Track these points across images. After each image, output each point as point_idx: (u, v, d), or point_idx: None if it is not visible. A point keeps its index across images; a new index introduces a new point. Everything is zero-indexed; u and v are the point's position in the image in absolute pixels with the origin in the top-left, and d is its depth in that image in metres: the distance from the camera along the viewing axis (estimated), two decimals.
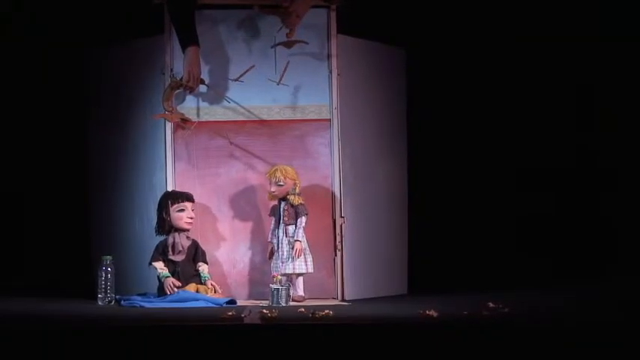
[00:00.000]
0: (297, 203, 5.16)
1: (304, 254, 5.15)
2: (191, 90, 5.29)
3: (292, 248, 5.13)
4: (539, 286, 5.61)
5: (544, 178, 6.05)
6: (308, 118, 5.39)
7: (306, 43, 5.33)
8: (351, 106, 5.43)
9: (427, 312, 4.05)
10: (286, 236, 5.17)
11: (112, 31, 5.75)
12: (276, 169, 5.17)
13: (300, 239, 5.14)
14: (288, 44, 5.29)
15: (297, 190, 5.18)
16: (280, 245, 5.18)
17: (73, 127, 5.92)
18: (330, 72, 5.38)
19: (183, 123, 5.30)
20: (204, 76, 5.32)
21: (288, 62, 5.30)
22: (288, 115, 5.39)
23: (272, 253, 5.23)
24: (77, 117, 5.86)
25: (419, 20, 5.96)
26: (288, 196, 5.17)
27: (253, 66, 5.32)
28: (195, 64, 5.24)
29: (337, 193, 5.34)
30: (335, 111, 5.36)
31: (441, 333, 3.74)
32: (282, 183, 5.15)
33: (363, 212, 5.47)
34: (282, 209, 5.20)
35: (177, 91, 5.30)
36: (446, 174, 6.05)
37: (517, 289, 5.43)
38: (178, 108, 5.32)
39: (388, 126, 5.73)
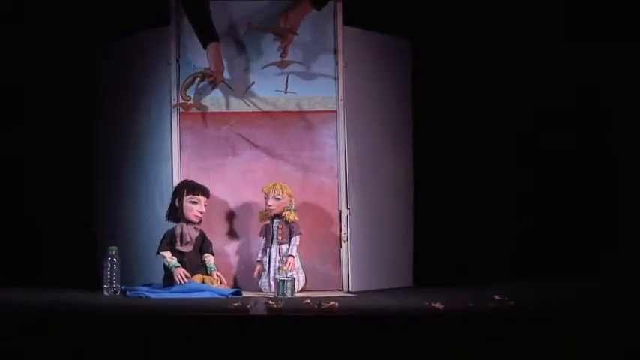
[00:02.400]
0: (292, 220, 5.15)
1: (297, 272, 5.13)
2: (215, 83, 5.29)
3: (285, 263, 5.10)
4: (546, 279, 5.60)
5: (551, 170, 6.04)
6: (314, 109, 5.39)
7: (301, 63, 5.34)
8: (357, 97, 5.43)
9: (433, 304, 4.05)
10: (279, 255, 5.16)
11: (118, 22, 5.74)
12: (275, 184, 5.17)
13: (293, 255, 5.13)
14: (282, 64, 5.30)
15: (293, 207, 5.19)
16: (272, 264, 5.16)
17: (79, 117, 5.91)
18: (337, 63, 5.38)
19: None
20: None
21: (287, 75, 5.31)
22: (294, 106, 5.39)
23: (259, 273, 5.21)
24: (83, 108, 5.86)
25: (425, 11, 5.94)
26: (283, 213, 5.16)
27: (253, 82, 5.34)
28: (219, 59, 5.25)
29: (343, 185, 5.34)
30: (341, 102, 5.36)
31: (447, 325, 3.74)
32: (280, 197, 5.14)
33: (369, 204, 5.47)
34: (275, 228, 5.18)
35: (202, 83, 5.30)
36: (452, 166, 6.04)
37: (523, 282, 5.42)
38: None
39: (394, 117, 5.72)
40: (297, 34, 5.26)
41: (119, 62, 5.63)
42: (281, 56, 5.30)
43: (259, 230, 5.26)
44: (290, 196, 5.18)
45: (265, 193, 5.18)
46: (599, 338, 3.64)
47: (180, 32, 5.36)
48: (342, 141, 5.35)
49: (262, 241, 5.24)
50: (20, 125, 6.04)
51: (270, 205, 5.17)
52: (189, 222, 5.15)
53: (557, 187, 6.02)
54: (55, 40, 5.98)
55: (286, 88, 5.33)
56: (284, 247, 5.17)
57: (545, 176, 6.03)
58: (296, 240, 5.15)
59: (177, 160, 5.33)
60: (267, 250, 5.20)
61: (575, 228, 5.93)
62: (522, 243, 5.95)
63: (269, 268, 5.17)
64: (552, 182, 6.02)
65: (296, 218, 5.17)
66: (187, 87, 5.28)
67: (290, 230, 5.16)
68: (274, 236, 5.18)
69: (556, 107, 6.01)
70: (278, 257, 5.15)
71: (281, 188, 5.16)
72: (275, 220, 5.19)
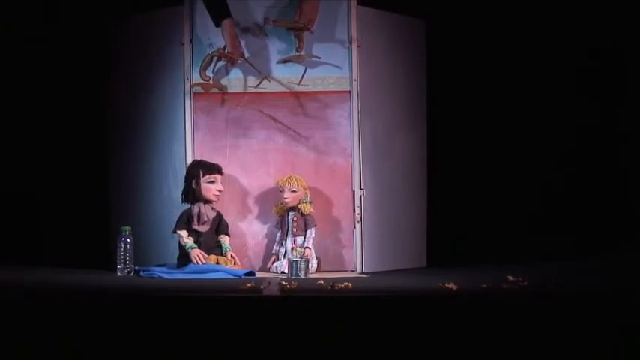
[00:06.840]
0: (307, 212, 5.18)
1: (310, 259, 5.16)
2: (233, 62, 5.28)
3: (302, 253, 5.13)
4: (559, 260, 5.59)
5: (566, 151, 6.01)
6: (328, 89, 5.37)
7: (318, 58, 5.32)
8: (371, 77, 5.41)
9: (446, 284, 4.05)
10: (295, 246, 5.17)
11: (133, 1, 5.74)
12: (290, 177, 5.20)
13: (310, 247, 5.17)
14: (299, 59, 5.29)
15: (309, 199, 5.20)
16: (287, 255, 5.16)
17: (94, 97, 5.91)
18: (350, 43, 5.36)
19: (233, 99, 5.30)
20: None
21: (305, 69, 5.30)
22: (308, 86, 5.37)
23: (273, 263, 5.25)
24: (97, 87, 5.86)
25: None
26: (299, 205, 5.18)
27: (266, 76, 5.31)
28: (235, 36, 5.23)
29: (357, 165, 5.33)
30: (355, 82, 5.34)
31: (460, 306, 3.73)
32: (295, 189, 5.18)
33: (382, 184, 5.46)
34: (290, 220, 5.21)
35: (220, 63, 5.29)
36: (466, 146, 6.02)
37: (537, 263, 5.42)
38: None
39: (408, 97, 5.70)
40: (312, 32, 5.25)
41: (134, 40, 5.61)
42: (297, 50, 5.29)
43: (275, 222, 5.30)
44: (305, 188, 5.20)
45: (281, 186, 5.20)
46: (613, 317, 3.64)
47: (194, 12, 5.34)
48: (356, 121, 5.33)
49: (278, 233, 5.26)
50: (33, 102, 6.04)
51: (286, 198, 5.19)
52: (207, 202, 5.15)
53: (575, 166, 6.00)
54: (70, 15, 5.97)
55: (300, 80, 5.32)
56: (299, 239, 5.19)
57: (563, 154, 6.00)
58: (312, 232, 5.19)
59: (191, 139, 5.33)
60: (283, 242, 5.23)
61: (591, 209, 5.91)
62: (537, 223, 5.93)
63: (284, 259, 5.19)
64: (570, 161, 6.00)
65: (312, 210, 5.19)
66: (206, 67, 5.28)
67: (305, 223, 5.20)
68: (289, 228, 5.21)
69: (571, 84, 5.97)
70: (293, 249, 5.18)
71: (296, 181, 5.19)
72: (290, 213, 5.22)
